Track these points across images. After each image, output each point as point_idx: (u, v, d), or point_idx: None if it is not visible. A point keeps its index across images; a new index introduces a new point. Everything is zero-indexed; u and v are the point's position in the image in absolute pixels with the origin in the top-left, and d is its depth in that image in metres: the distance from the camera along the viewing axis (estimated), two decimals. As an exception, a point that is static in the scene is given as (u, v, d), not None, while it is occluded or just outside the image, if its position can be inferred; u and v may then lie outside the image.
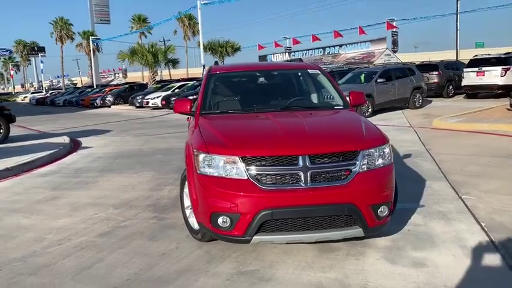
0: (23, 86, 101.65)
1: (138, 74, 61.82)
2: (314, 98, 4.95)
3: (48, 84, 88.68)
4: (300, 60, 5.70)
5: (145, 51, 30.60)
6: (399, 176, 6.24)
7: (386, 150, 3.70)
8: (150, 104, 25.20)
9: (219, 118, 4.42)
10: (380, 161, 3.62)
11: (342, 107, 4.60)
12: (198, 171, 3.55)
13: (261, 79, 5.16)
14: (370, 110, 14.58)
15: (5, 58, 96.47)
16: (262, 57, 51.79)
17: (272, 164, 3.38)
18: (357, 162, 3.46)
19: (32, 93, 61.42)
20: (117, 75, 75.21)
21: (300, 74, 5.28)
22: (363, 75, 15.90)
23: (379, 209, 3.51)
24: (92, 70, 55.39)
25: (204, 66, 32.23)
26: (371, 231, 3.56)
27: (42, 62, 69.10)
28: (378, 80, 15.05)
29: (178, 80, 33.93)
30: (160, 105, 24.02)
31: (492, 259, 3.51)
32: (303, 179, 3.34)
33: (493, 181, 5.82)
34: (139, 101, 26.38)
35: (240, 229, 3.35)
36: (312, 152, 3.39)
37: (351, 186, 3.39)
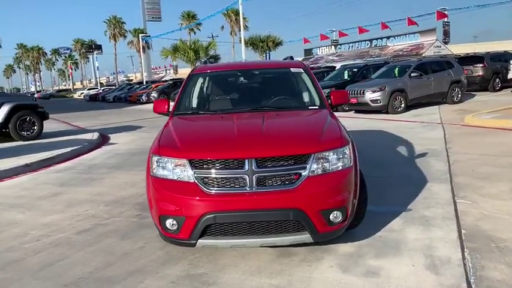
0: (82, 82, 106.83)
1: (189, 70, 63.18)
2: (290, 97, 4.82)
3: (106, 81, 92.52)
4: (291, 58, 5.57)
5: (187, 48, 31.21)
6: (403, 177, 6.06)
7: (346, 152, 3.55)
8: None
9: (186, 119, 4.43)
10: (336, 164, 3.47)
11: (317, 107, 4.46)
12: (151, 174, 3.58)
13: (241, 79, 5.11)
14: (402, 105, 14.04)
15: (65, 56, 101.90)
16: (308, 51, 51.28)
17: (218, 168, 3.34)
18: (307, 166, 3.35)
19: (88, 89, 64.27)
20: (168, 71, 77.20)
21: (281, 73, 5.17)
22: (397, 69, 15.32)
23: (331, 215, 3.38)
24: (141, 67, 57.24)
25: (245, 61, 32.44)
26: (322, 238, 3.44)
27: (97, 59, 72.17)
28: (412, 74, 14.44)
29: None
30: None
31: (452, 274, 3.27)
32: (248, 183, 3.28)
33: (500, 184, 5.44)
34: (178, 96, 26.78)
35: (185, 232, 3.35)
36: (259, 155, 3.32)
37: (298, 190, 3.28)
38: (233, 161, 3.32)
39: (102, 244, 4.21)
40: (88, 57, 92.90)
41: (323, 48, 49.35)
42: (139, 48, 56.26)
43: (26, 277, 3.58)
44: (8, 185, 7.07)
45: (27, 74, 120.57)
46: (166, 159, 3.49)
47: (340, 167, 3.49)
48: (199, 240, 3.33)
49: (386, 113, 14.00)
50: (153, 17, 69.10)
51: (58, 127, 15.70)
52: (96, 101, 44.00)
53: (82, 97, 58.75)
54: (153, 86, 35.92)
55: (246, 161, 3.29)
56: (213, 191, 3.30)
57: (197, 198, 3.29)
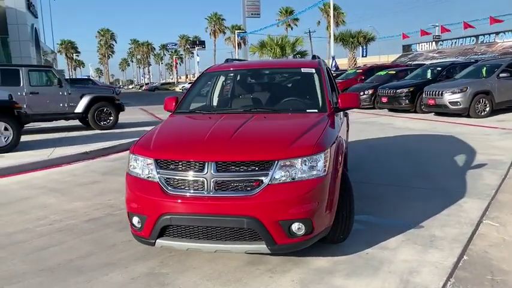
0: (187, 76, 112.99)
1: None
2: (290, 100, 4.59)
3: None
4: (314, 57, 5.29)
5: (273, 44, 31.38)
6: (441, 190, 5.52)
7: (318, 160, 3.30)
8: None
9: (179, 118, 4.44)
10: (306, 172, 3.25)
11: (316, 111, 4.20)
12: (127, 171, 3.67)
13: (250, 79, 4.99)
14: (487, 109, 12.71)
15: (172, 51, 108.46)
16: (406, 47, 48.76)
17: (180, 169, 3.31)
18: (270, 173, 3.17)
19: (189, 83, 67.67)
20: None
21: (290, 73, 4.95)
22: (485, 68, 13.91)
23: (293, 226, 3.18)
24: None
25: (333, 58, 31.74)
26: (280, 249, 3.24)
27: (197, 55, 75.62)
28: (501, 75, 12.97)
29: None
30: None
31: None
32: (206, 186, 3.21)
33: (548, 207, 4.70)
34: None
35: (146, 231, 3.37)
36: (219, 159, 3.23)
37: (256, 198, 3.13)
38: (194, 163, 3.27)
39: (99, 234, 4.41)
40: (192, 53, 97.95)
41: (423, 44, 46.54)
42: (236, 44, 57.91)
43: (16, 258, 3.88)
44: (61, 170, 7.72)
45: (139, 67, 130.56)
46: (138, 157, 3.54)
47: (309, 176, 3.25)
48: (157, 240, 3.34)
49: (468, 116, 12.80)
50: (252, 14, 70.48)
51: (140, 118, 16.77)
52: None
53: (181, 90, 62.05)
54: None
55: (207, 164, 3.22)
56: (173, 193, 3.28)
57: (157, 198, 3.29)
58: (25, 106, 11.52)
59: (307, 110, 4.23)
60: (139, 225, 3.43)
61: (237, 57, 59.28)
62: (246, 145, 3.41)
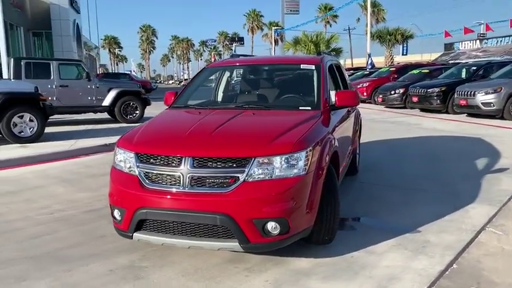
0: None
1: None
2: (284, 96, 4.49)
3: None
4: (323, 53, 5.18)
5: (307, 40, 31.04)
6: (451, 194, 5.30)
7: (299, 158, 3.21)
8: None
9: (171, 112, 4.44)
10: (285, 170, 3.17)
11: (309, 108, 4.09)
12: (113, 164, 3.70)
13: (248, 75, 4.92)
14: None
15: (211, 47, 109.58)
16: (448, 45, 47.14)
17: (158, 164, 3.30)
18: (246, 170, 3.12)
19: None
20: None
21: (289, 69, 4.85)
22: (523, 68, 13.20)
23: (267, 225, 3.10)
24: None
25: (369, 55, 31.06)
26: (254, 248, 3.18)
27: (235, 51, 76.09)
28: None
29: (346, 70, 33.49)
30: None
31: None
32: (181, 182, 3.18)
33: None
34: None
35: (125, 224, 3.38)
36: (195, 154, 3.19)
37: (231, 195, 3.08)
38: (172, 158, 3.25)
39: (93, 225, 4.48)
40: (231, 49, 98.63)
41: (466, 42, 44.79)
42: (273, 40, 57.77)
43: (9, 245, 4.00)
44: (77, 161, 7.92)
45: (179, 63, 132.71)
46: (121, 151, 3.57)
47: (288, 175, 3.17)
48: (134, 234, 3.35)
49: (502, 118, 12.21)
50: (291, 10, 70.13)
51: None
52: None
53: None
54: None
55: (183, 159, 3.20)
56: (150, 187, 3.28)
57: (134, 192, 3.30)
58: (55, 98, 11.94)
59: (300, 108, 4.13)
60: (119, 218, 3.45)
61: (273, 54, 59.19)
62: (224, 141, 3.36)
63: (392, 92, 16.99)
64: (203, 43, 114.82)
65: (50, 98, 11.68)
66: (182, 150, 3.26)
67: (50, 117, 9.91)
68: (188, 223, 3.18)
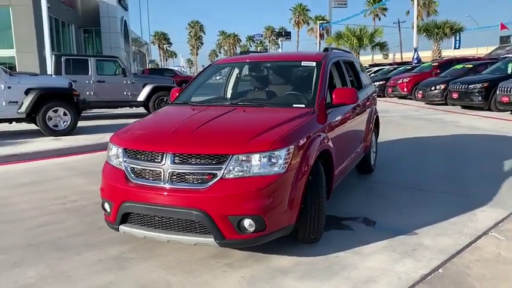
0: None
1: (368, 58, 61.69)
2: (280, 94, 4.45)
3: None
4: (326, 50, 5.07)
5: (350, 34, 30.43)
6: (467, 197, 5.13)
7: (280, 156, 3.21)
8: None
9: (168, 109, 4.54)
10: (263, 168, 3.18)
11: (303, 106, 4.05)
12: (106, 159, 3.85)
13: (251, 71, 4.92)
14: None
15: (257, 42, 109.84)
16: (505, 38, 44.69)
17: (142, 159, 3.40)
18: (223, 167, 3.15)
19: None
20: (348, 58, 76.33)
21: (292, 66, 4.79)
22: None
23: (243, 222, 3.13)
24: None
25: (415, 49, 30.06)
26: (229, 244, 3.23)
27: (282, 46, 75.84)
28: None
29: (390, 64, 32.70)
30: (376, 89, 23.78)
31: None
32: (162, 177, 3.27)
33: None
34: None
35: (112, 217, 3.51)
36: (176, 150, 3.27)
37: (207, 192, 3.13)
38: (155, 154, 3.34)
39: (96, 216, 4.61)
40: (278, 44, 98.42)
41: (524, 35, 42.28)
42: (319, 35, 57.11)
43: (16, 232, 4.25)
44: (101, 154, 8.10)
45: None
46: (113, 146, 3.71)
47: (266, 172, 3.18)
48: (120, 226, 3.47)
49: (547, 117, 11.51)
50: (339, 4, 68.78)
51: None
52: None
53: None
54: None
55: (165, 155, 3.28)
56: (134, 181, 3.38)
57: (120, 186, 3.42)
58: (92, 93, 12.46)
59: (294, 105, 4.09)
60: (108, 211, 3.59)
61: (318, 49, 58.50)
62: (204, 138, 3.41)
63: (433, 88, 16.38)
64: (250, 38, 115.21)
65: (87, 93, 12.22)
66: (164, 146, 3.34)
67: (85, 112, 10.36)
68: (168, 218, 3.26)
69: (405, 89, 18.95)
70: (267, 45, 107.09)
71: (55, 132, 9.44)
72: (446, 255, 3.51)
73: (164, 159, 3.27)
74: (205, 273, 3.30)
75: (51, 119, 9.42)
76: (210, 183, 3.15)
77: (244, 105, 4.22)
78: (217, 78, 7.09)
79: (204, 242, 3.22)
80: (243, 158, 3.18)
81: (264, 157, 3.19)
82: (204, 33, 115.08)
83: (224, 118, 3.79)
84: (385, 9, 68.00)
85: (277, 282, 3.14)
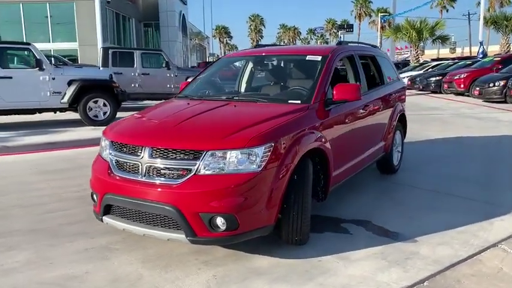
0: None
1: (433, 52, 58.86)
2: (278, 89, 4.28)
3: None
4: (340, 43, 4.82)
5: (409, 27, 29.05)
6: (490, 203, 4.81)
7: (256, 154, 3.09)
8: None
9: (166, 103, 4.54)
10: (239, 165, 3.09)
11: (298, 102, 3.88)
12: (99, 151, 3.92)
13: (257, 66, 4.78)
14: None
15: (318, 35, 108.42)
16: None
17: (124, 152, 3.42)
18: (198, 163, 3.09)
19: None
20: (413, 52, 73.50)
21: (297, 60, 4.59)
22: None
23: (215, 220, 3.06)
24: (380, 47, 56.13)
25: (481, 43, 28.24)
26: (202, 242, 3.17)
27: (341, 39, 74.41)
28: None
29: (453, 59, 31.02)
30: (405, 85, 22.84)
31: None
32: (140, 170, 3.27)
33: None
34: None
35: (98, 207, 3.57)
36: (153, 144, 3.25)
37: (180, 187, 3.09)
38: (136, 148, 3.34)
39: (95, 206, 4.78)
40: (340, 37, 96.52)
41: None
42: (380, 27, 55.19)
43: (26, 217, 4.42)
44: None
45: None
46: (103, 138, 3.77)
47: (241, 170, 3.08)
48: (103, 217, 3.51)
49: None
50: (404, -5, 66.42)
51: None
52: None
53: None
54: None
55: (143, 148, 3.28)
56: (116, 174, 3.41)
57: (103, 177, 3.47)
58: (137, 85, 12.85)
59: (289, 101, 3.93)
60: (96, 201, 3.65)
61: (379, 43, 56.51)
62: (183, 133, 3.37)
63: (491, 85, 15.31)
64: (311, 31, 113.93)
65: (132, 85, 12.63)
66: (144, 140, 3.34)
67: (124, 103, 10.70)
68: (143, 211, 3.26)
69: (462, 85, 17.86)
70: (327, 38, 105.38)
71: (95, 122, 9.84)
72: (439, 266, 3.24)
73: (142, 152, 3.27)
74: (179, 269, 3.26)
75: (91, 109, 9.83)
76: (183, 179, 3.11)
77: (239, 100, 4.13)
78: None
79: (176, 238, 3.19)
80: (218, 155, 3.10)
81: (239, 154, 3.09)
82: (264, 27, 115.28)
83: (210, 113, 3.73)
84: (454, 0, 64.56)
85: (247, 284, 3.04)
